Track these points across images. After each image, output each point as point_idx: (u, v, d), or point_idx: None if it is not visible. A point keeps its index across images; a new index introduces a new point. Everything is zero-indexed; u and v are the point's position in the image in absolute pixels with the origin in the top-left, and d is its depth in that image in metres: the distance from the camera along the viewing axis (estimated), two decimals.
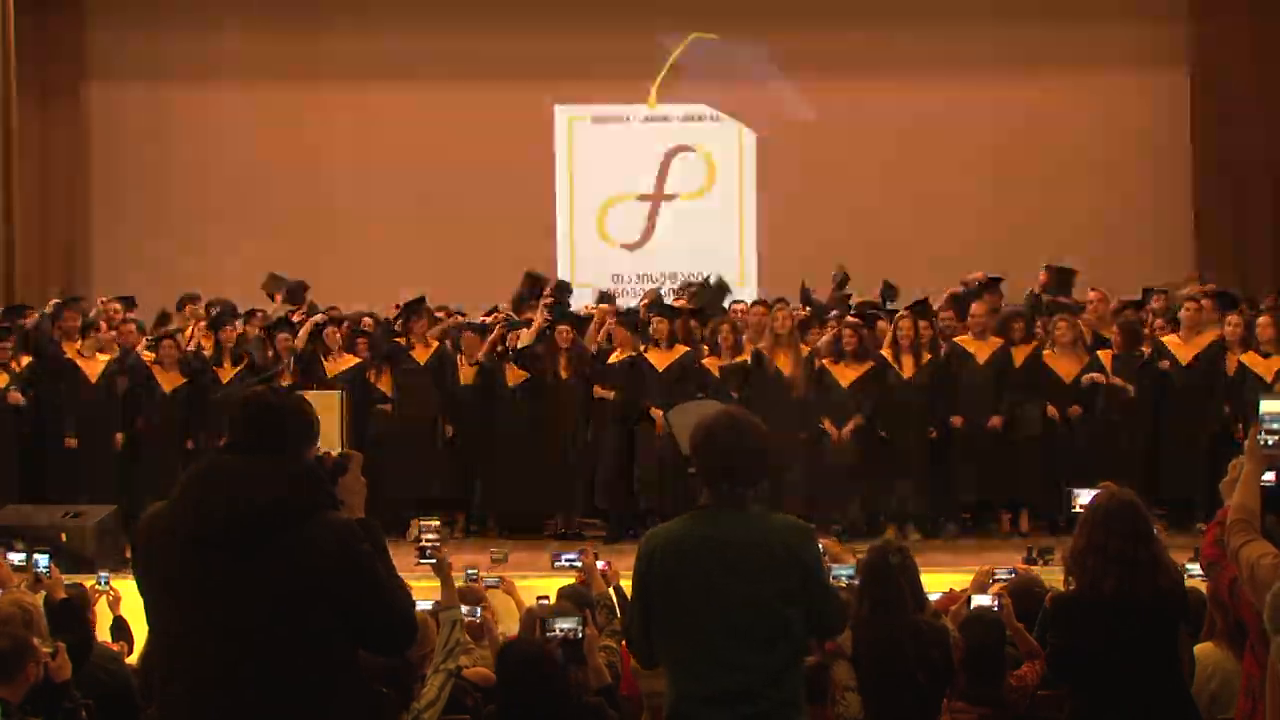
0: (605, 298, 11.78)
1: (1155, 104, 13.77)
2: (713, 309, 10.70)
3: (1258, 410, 3.58)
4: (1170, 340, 9.95)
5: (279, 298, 11.35)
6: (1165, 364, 9.80)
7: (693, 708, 3.52)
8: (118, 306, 11.07)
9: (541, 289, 11.20)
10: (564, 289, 11.45)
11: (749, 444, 3.61)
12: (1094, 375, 9.76)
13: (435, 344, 10.29)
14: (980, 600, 5.19)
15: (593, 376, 10.01)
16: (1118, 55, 13.66)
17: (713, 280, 11.64)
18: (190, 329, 10.64)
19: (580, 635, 4.71)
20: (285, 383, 9.69)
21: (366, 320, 10.75)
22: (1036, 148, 13.69)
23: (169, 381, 10.05)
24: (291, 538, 3.04)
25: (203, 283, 11.77)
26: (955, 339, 10.05)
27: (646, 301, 11.10)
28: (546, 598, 6.21)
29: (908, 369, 9.80)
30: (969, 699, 4.87)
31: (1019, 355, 9.90)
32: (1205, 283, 11.34)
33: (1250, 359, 9.61)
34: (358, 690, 3.16)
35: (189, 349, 10.23)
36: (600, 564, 6.10)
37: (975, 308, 10.11)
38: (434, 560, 5.13)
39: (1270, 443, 3.54)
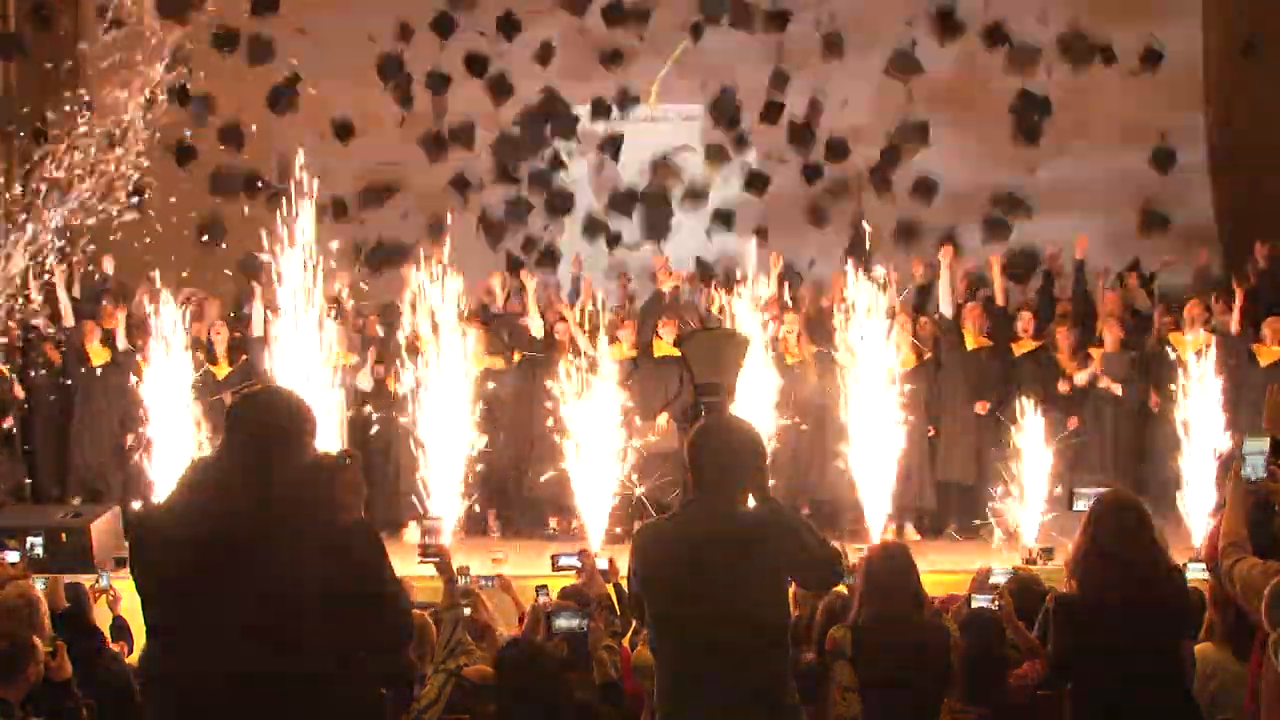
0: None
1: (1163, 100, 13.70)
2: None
3: (1242, 447, 3.89)
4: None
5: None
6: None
7: (681, 688, 3.57)
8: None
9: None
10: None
11: (736, 449, 3.65)
12: (1087, 374, 9.79)
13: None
14: (980, 600, 5.20)
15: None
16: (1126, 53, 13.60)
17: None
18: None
19: (584, 631, 4.72)
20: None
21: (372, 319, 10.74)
22: (1038, 148, 13.64)
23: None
24: (289, 539, 3.03)
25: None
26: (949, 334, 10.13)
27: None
28: (545, 587, 6.23)
29: (909, 365, 9.83)
30: (969, 699, 4.87)
31: (1021, 350, 9.98)
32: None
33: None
34: (358, 690, 3.16)
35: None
36: (601, 563, 6.12)
37: (969, 308, 10.19)
38: (436, 559, 5.14)
39: (1254, 478, 3.85)
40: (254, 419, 3.18)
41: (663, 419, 9.87)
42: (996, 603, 5.08)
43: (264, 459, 3.10)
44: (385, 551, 3.20)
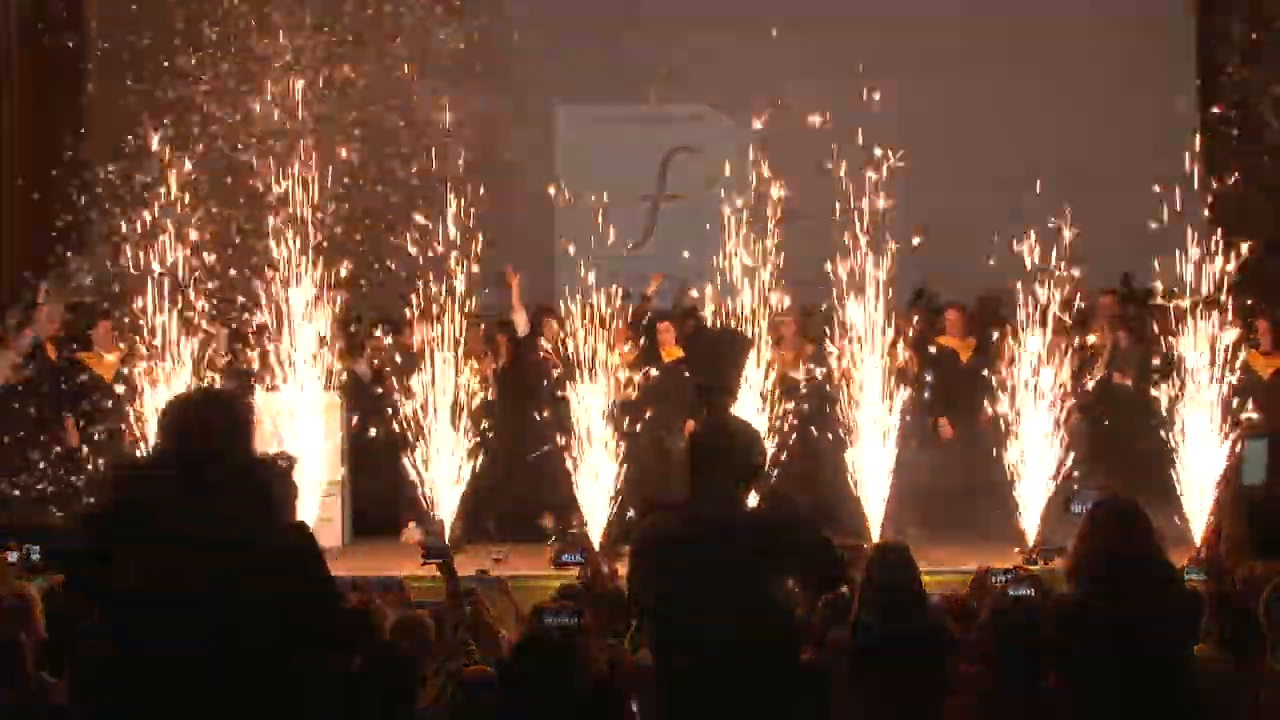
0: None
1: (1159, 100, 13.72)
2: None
3: (1243, 450, 3.91)
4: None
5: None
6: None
7: (680, 689, 3.59)
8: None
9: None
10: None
11: (736, 449, 3.67)
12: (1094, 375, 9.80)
13: None
14: (1020, 590, 5.11)
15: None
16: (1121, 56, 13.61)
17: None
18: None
19: (576, 625, 4.73)
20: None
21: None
22: (1041, 150, 13.64)
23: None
24: (230, 540, 3.01)
25: None
26: (938, 339, 10.18)
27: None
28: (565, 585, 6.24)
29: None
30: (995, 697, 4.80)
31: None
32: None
33: None
34: (299, 688, 3.13)
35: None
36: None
37: (951, 313, 10.25)
38: (439, 559, 5.15)
39: (1257, 481, 3.81)
40: (190, 420, 3.16)
41: (691, 424, 9.85)
42: (1032, 591, 5.03)
43: (202, 459, 3.08)
44: (322, 552, 3.21)
